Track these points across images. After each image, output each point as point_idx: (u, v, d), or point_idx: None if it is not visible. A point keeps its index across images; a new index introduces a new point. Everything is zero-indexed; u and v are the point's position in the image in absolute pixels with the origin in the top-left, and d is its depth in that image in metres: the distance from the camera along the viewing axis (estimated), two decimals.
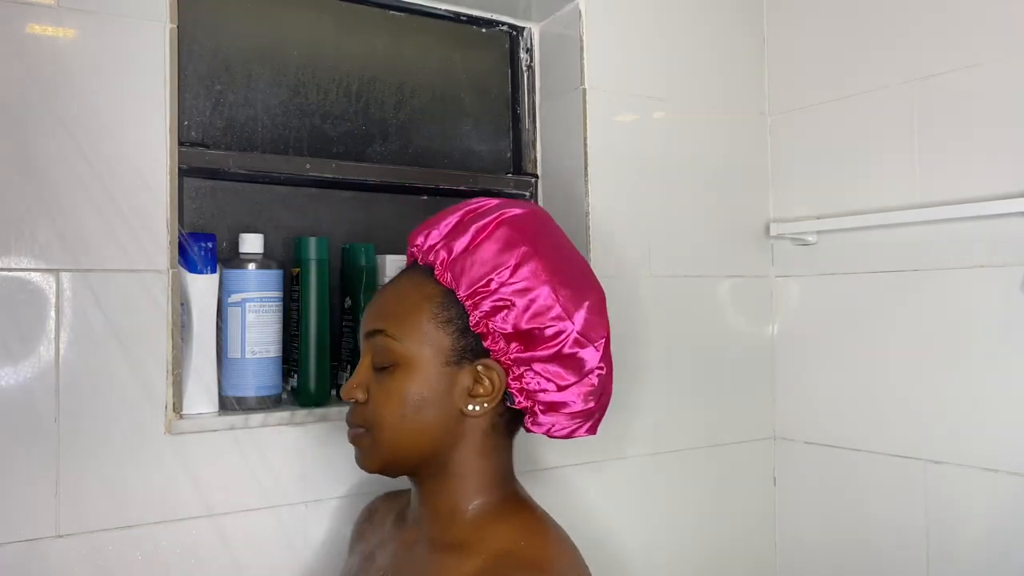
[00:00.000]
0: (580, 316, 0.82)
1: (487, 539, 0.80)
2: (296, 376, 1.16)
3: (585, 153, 1.36)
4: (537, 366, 0.82)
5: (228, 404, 1.10)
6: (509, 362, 0.82)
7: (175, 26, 1.04)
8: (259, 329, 1.10)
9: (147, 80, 1.02)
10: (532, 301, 0.80)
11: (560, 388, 0.83)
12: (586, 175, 1.36)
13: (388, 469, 0.86)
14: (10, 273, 0.94)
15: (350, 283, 1.20)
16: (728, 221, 1.52)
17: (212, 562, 1.05)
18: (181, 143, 1.09)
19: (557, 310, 0.81)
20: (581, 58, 1.37)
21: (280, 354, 1.14)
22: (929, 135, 1.33)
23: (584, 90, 1.36)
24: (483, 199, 0.88)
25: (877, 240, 1.40)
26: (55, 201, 0.96)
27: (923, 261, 1.34)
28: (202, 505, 1.04)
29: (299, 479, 1.11)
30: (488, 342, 0.81)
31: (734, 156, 1.54)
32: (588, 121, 1.36)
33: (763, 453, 1.56)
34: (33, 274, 0.95)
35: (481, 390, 0.82)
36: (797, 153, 1.54)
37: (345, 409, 1.14)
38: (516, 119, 1.49)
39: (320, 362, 1.15)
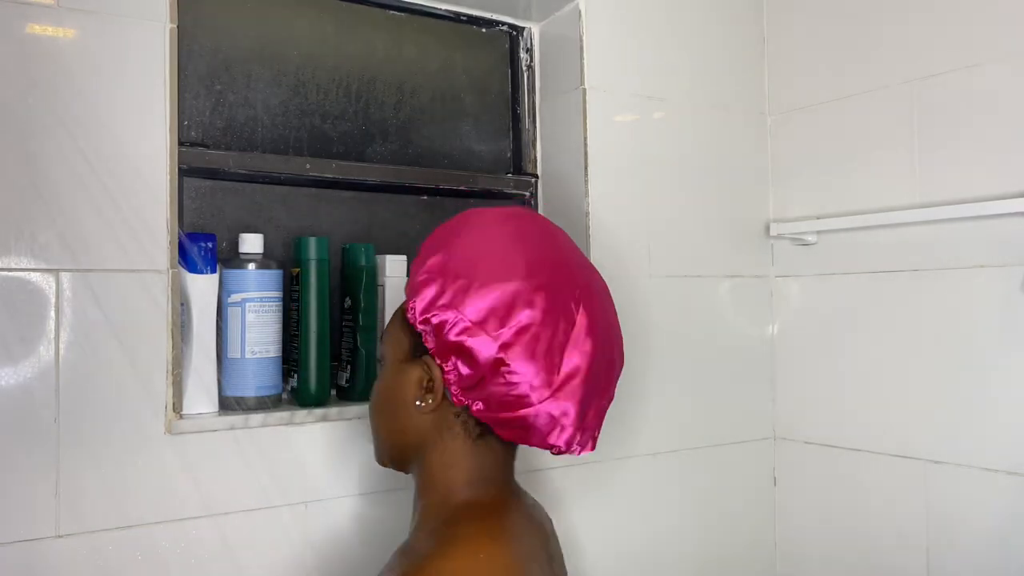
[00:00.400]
0: (476, 305, 0.79)
1: (416, 546, 0.81)
2: (296, 376, 1.16)
3: (585, 153, 1.36)
4: (453, 359, 0.81)
5: (228, 404, 1.10)
6: (439, 357, 0.82)
7: (175, 26, 1.04)
8: (259, 329, 1.10)
9: (147, 80, 1.02)
10: (427, 292, 0.82)
11: (471, 385, 0.81)
12: (586, 175, 1.36)
13: (384, 463, 0.93)
14: (10, 273, 0.94)
15: (350, 283, 1.20)
16: (728, 221, 1.52)
17: (212, 562, 1.05)
18: (181, 143, 1.09)
19: (445, 298, 0.80)
20: (581, 58, 1.37)
21: (280, 354, 1.14)
22: (929, 135, 1.33)
23: (584, 90, 1.36)
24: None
25: (877, 240, 1.40)
26: (55, 201, 0.96)
27: (923, 261, 1.34)
28: (202, 505, 1.04)
29: (299, 479, 1.11)
30: (424, 338, 0.83)
31: (734, 156, 1.54)
32: (588, 121, 1.36)
33: (763, 453, 1.56)
34: (33, 274, 0.95)
35: (433, 385, 0.83)
36: (797, 153, 1.54)
37: (345, 409, 1.15)
38: (516, 119, 1.49)
39: (320, 362, 1.15)
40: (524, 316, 0.80)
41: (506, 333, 0.79)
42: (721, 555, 1.49)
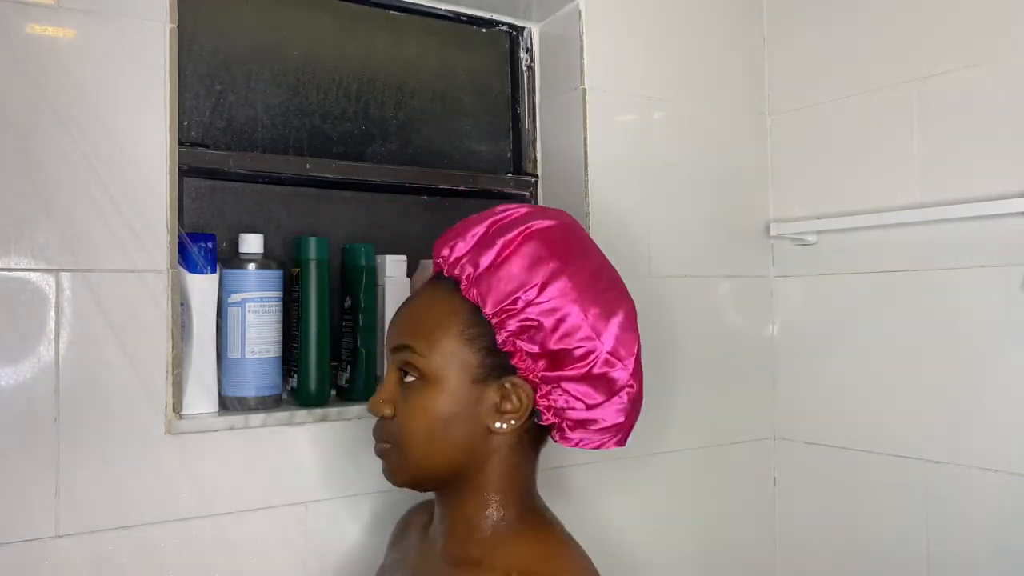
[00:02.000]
0: (610, 334, 0.80)
1: (503, 556, 0.79)
2: (296, 376, 1.16)
3: (585, 153, 1.36)
4: (566, 384, 0.80)
5: (228, 404, 1.10)
6: (537, 380, 0.80)
7: (175, 26, 1.04)
8: (259, 329, 1.10)
9: (147, 80, 1.02)
10: (560, 321, 0.79)
11: (589, 407, 0.81)
12: (586, 175, 1.36)
13: (416, 484, 0.85)
14: (10, 273, 0.94)
15: (350, 283, 1.20)
16: (728, 221, 1.52)
17: (212, 562, 1.05)
18: (181, 143, 1.09)
19: (586, 330, 0.79)
20: (581, 58, 1.37)
21: (280, 354, 1.14)
22: (929, 135, 1.33)
23: (584, 90, 1.36)
24: (511, 207, 0.85)
25: (877, 240, 1.40)
26: (55, 201, 0.96)
27: (923, 261, 1.34)
28: (202, 505, 1.04)
29: (299, 479, 1.11)
30: (515, 360, 0.80)
31: (734, 156, 1.54)
32: (588, 121, 1.36)
33: (763, 453, 1.56)
34: (33, 274, 0.95)
35: (508, 407, 0.80)
36: (797, 153, 1.54)
37: (345, 409, 1.15)
38: (516, 119, 1.49)
39: (320, 362, 1.15)
40: (637, 340, 0.84)
41: (634, 361, 0.82)
42: (721, 555, 1.49)
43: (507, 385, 0.80)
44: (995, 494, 1.24)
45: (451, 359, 0.80)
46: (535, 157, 1.47)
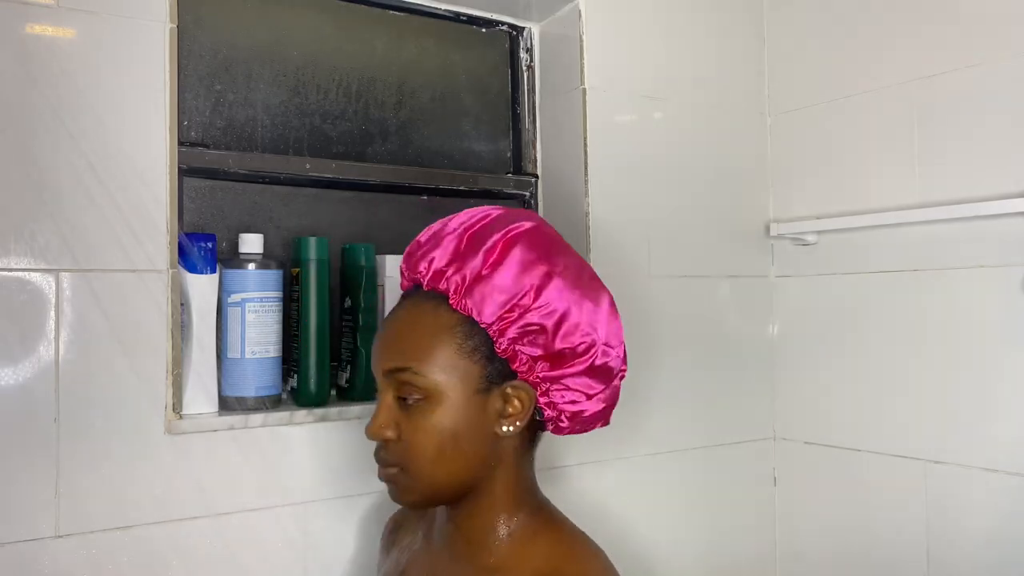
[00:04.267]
0: (603, 325, 0.82)
1: (526, 560, 0.81)
2: (296, 376, 1.16)
3: (585, 153, 1.36)
4: (568, 380, 0.81)
5: (228, 404, 1.10)
6: (538, 380, 0.81)
7: (175, 26, 1.04)
8: (259, 329, 1.10)
9: (147, 80, 1.02)
10: (561, 322, 0.80)
11: (589, 397, 0.83)
12: (586, 175, 1.36)
13: (429, 502, 0.84)
14: (10, 273, 0.94)
15: (350, 283, 1.20)
16: (728, 221, 1.52)
17: (212, 562, 1.05)
18: (181, 143, 1.09)
19: (585, 326, 0.81)
20: (581, 58, 1.37)
21: (280, 354, 1.14)
22: (929, 135, 1.33)
23: (584, 90, 1.36)
24: (477, 211, 0.84)
25: (877, 240, 1.40)
26: (55, 201, 0.96)
27: (923, 261, 1.34)
28: (202, 505, 1.04)
29: (299, 479, 1.11)
30: (516, 364, 0.80)
31: (734, 156, 1.54)
32: (588, 121, 1.36)
33: (763, 453, 1.56)
34: (33, 274, 0.95)
35: (511, 410, 0.81)
36: (797, 153, 1.54)
37: (345, 409, 1.15)
38: (516, 119, 1.49)
39: (320, 362, 1.15)
40: (621, 324, 0.86)
41: (623, 345, 0.86)
42: (721, 555, 1.49)
43: (508, 390, 0.81)
44: (995, 494, 1.24)
45: (452, 373, 0.79)
46: (535, 157, 1.48)
